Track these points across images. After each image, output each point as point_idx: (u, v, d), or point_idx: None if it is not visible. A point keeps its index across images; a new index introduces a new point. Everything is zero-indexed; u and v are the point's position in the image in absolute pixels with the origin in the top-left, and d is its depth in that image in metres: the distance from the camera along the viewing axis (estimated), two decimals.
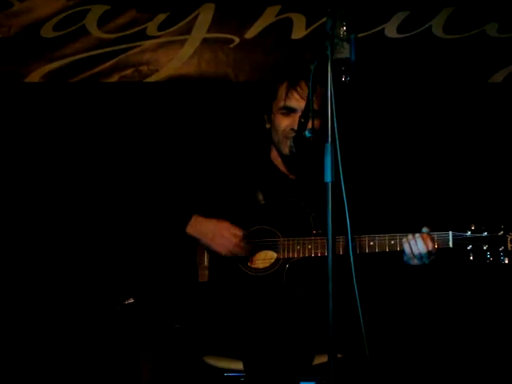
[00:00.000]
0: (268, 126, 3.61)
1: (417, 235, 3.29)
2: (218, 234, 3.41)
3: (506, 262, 3.25)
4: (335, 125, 2.80)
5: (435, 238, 3.29)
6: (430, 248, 3.26)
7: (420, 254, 3.27)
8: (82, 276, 4.42)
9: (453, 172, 4.45)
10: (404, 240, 3.30)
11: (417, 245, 3.27)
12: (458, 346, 4.38)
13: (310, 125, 3.13)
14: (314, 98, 3.15)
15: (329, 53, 2.84)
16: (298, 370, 3.24)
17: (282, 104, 3.50)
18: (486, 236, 3.27)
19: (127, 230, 3.66)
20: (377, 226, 3.37)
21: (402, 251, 3.31)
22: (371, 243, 3.32)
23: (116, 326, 4.08)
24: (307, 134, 3.13)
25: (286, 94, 3.49)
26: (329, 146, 2.81)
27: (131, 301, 3.47)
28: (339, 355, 2.92)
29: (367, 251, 3.32)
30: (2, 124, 4.51)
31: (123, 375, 4.17)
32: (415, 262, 3.30)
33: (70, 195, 4.46)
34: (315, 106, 3.27)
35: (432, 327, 4.38)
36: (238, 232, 3.41)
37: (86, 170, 4.46)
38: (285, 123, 3.48)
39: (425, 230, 3.32)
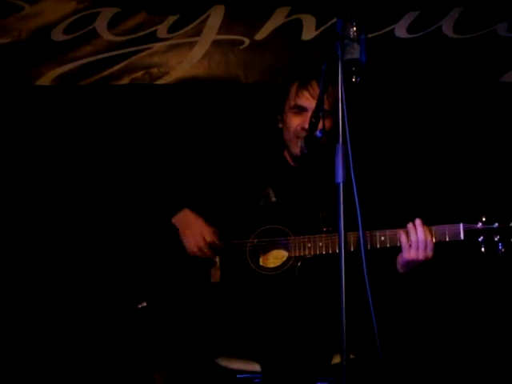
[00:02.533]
0: (280, 125, 3.63)
1: (417, 222, 3.26)
2: (188, 230, 3.45)
3: None
4: (346, 125, 2.81)
5: (446, 231, 3.27)
6: (429, 238, 3.24)
7: (417, 241, 3.24)
8: (96, 280, 4.42)
9: (463, 165, 4.45)
10: (401, 232, 3.28)
11: (416, 231, 3.25)
12: (473, 343, 4.36)
13: (320, 125, 3.13)
14: (325, 99, 3.17)
15: (339, 53, 2.84)
16: (316, 369, 3.23)
17: (292, 103, 3.52)
18: (497, 227, 3.24)
19: (138, 230, 3.67)
20: (388, 221, 3.35)
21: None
22: (382, 238, 3.30)
23: (129, 329, 4.08)
24: (318, 134, 3.14)
25: (297, 93, 3.51)
26: (340, 146, 2.81)
27: (144, 304, 3.48)
28: (352, 356, 2.90)
29: (378, 246, 3.30)
30: (13, 127, 4.51)
31: (136, 379, 4.17)
32: (411, 254, 3.25)
33: (81, 195, 4.47)
34: (326, 107, 3.29)
35: (446, 324, 4.37)
36: (208, 236, 3.43)
37: (96, 172, 4.46)
38: (296, 122, 3.50)
39: (418, 221, 3.29)
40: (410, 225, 3.27)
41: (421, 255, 3.24)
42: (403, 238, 3.25)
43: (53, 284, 4.47)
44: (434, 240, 3.24)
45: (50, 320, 4.45)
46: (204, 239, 3.43)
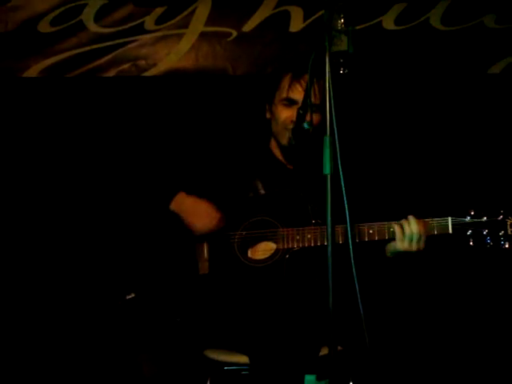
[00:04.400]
0: (268, 116, 3.63)
1: (410, 216, 3.29)
2: (195, 213, 3.43)
3: (507, 246, 3.25)
4: (333, 117, 2.81)
5: (435, 225, 3.29)
6: (422, 231, 3.26)
7: (411, 234, 3.26)
8: (83, 272, 4.40)
9: (451, 159, 4.46)
10: (394, 223, 3.30)
11: (410, 225, 3.26)
12: (460, 335, 4.38)
13: (308, 117, 3.14)
14: (315, 92, 3.17)
15: (327, 45, 2.84)
16: (304, 361, 3.23)
17: (284, 95, 3.51)
18: (485, 221, 3.27)
19: (124, 219, 3.66)
20: (376, 215, 3.37)
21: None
22: (370, 231, 3.32)
23: (117, 320, 4.08)
24: (305, 125, 3.14)
25: (289, 86, 3.51)
26: (327, 138, 2.81)
27: (132, 295, 3.47)
28: (339, 347, 2.91)
29: (366, 239, 3.32)
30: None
31: (124, 370, 4.17)
32: (404, 245, 3.28)
33: (69, 188, 4.45)
34: (315, 100, 3.30)
35: (433, 316, 4.39)
36: (215, 214, 3.42)
37: (84, 165, 4.44)
38: (285, 114, 3.50)
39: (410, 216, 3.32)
40: (403, 219, 3.29)
41: (414, 247, 3.28)
42: (397, 229, 3.28)
43: (39, 275, 4.45)
44: (436, 232, 3.27)
45: (36, 312, 4.43)
46: (212, 218, 3.42)
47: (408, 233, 3.26)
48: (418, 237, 3.26)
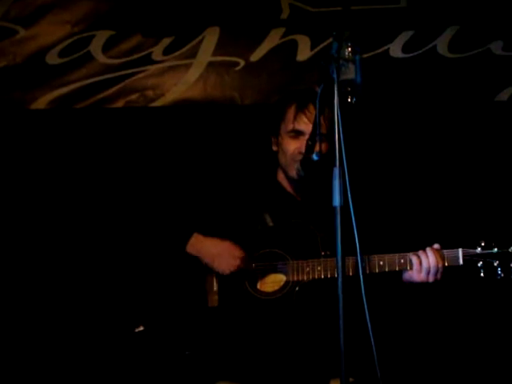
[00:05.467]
0: (275, 148, 3.61)
1: (428, 249, 3.28)
2: (218, 255, 3.41)
3: None
4: (343, 148, 2.80)
5: (445, 256, 3.28)
6: (440, 264, 3.25)
7: (429, 267, 3.25)
8: (93, 305, 4.39)
9: (461, 189, 4.44)
10: (413, 255, 3.28)
11: (428, 257, 3.26)
12: (472, 366, 4.34)
13: (317, 148, 3.14)
14: (322, 121, 3.16)
15: (335, 76, 2.84)
16: None
17: (290, 127, 3.49)
18: (496, 252, 3.25)
19: (133, 252, 3.65)
20: (386, 246, 3.36)
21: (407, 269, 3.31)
22: (381, 263, 3.30)
23: (127, 353, 4.07)
24: (315, 157, 3.14)
25: (295, 117, 3.49)
26: (337, 169, 2.80)
27: (141, 328, 3.46)
28: (351, 379, 2.89)
29: (377, 271, 3.31)
30: (8, 151, 4.49)
31: None
32: (421, 276, 3.27)
33: (77, 219, 4.45)
34: (323, 130, 3.28)
35: (445, 347, 4.35)
36: (238, 252, 3.41)
37: (92, 196, 4.44)
38: (293, 146, 3.48)
39: (436, 246, 3.31)
40: (421, 251, 3.28)
41: (431, 279, 3.28)
42: (415, 260, 3.28)
43: (48, 306, 4.44)
44: (446, 263, 3.26)
45: (45, 344, 4.42)
46: (235, 257, 3.41)
47: (426, 265, 3.25)
48: (436, 269, 3.25)
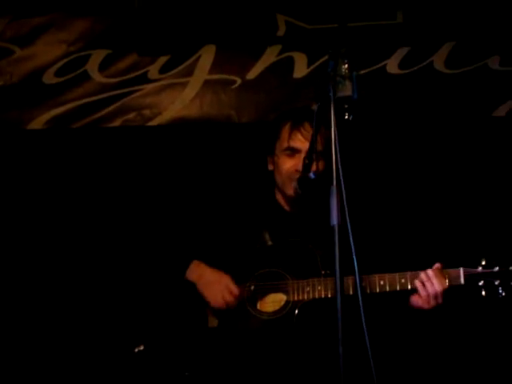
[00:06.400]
0: (271, 167, 3.60)
1: (430, 274, 3.25)
2: (213, 288, 3.40)
3: None
4: (340, 167, 2.79)
5: (446, 276, 3.25)
6: (445, 285, 3.23)
7: (436, 293, 3.23)
8: (92, 324, 4.37)
9: (461, 207, 4.41)
10: (417, 282, 3.26)
11: (433, 285, 3.23)
12: None
13: (314, 166, 3.13)
14: (318, 138, 3.14)
15: (331, 95, 2.83)
16: None
17: (285, 145, 3.48)
18: (497, 271, 3.23)
19: (132, 276, 3.63)
20: (386, 265, 3.34)
21: (412, 290, 3.28)
22: (381, 282, 3.28)
23: (127, 373, 4.04)
24: (312, 175, 3.13)
25: (290, 135, 3.48)
26: (334, 188, 2.79)
27: (141, 348, 3.44)
28: None
29: (378, 291, 3.28)
30: (4, 172, 4.48)
31: None
32: (431, 303, 3.25)
33: (75, 242, 4.43)
34: (319, 147, 3.26)
35: (446, 366, 4.32)
36: (234, 290, 3.39)
37: (89, 217, 4.43)
38: (289, 164, 3.47)
39: (437, 265, 3.29)
40: (424, 277, 3.26)
41: (440, 301, 3.27)
42: (421, 289, 3.26)
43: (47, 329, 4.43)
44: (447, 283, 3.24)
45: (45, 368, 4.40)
46: (231, 294, 3.39)
47: (432, 292, 3.23)
48: (441, 293, 3.24)
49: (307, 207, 3.53)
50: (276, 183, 3.57)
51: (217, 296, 3.38)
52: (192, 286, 3.43)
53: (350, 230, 2.76)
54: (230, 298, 3.38)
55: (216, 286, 3.39)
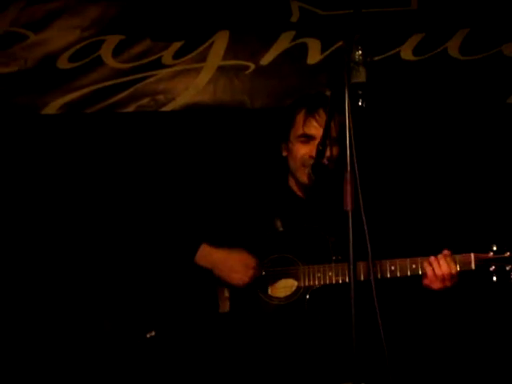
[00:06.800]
0: (285, 153, 3.59)
1: (440, 256, 3.25)
2: (229, 267, 3.39)
3: None
4: (354, 153, 2.79)
5: (457, 261, 3.25)
6: (453, 270, 3.23)
7: (443, 275, 3.22)
8: (104, 310, 4.39)
9: (473, 193, 4.40)
10: (426, 263, 3.26)
11: (440, 266, 3.23)
12: (483, 371, 4.31)
13: (328, 152, 3.14)
14: (332, 125, 3.15)
15: (346, 80, 2.83)
16: None
17: (300, 131, 3.47)
18: (508, 256, 3.23)
19: (143, 261, 3.65)
20: (397, 250, 3.33)
21: (423, 275, 3.28)
22: (392, 268, 3.28)
23: (138, 358, 4.06)
24: (326, 161, 3.14)
25: (304, 122, 3.46)
26: (348, 174, 2.80)
27: (153, 334, 3.45)
28: None
29: (388, 276, 3.28)
30: (19, 157, 4.51)
31: None
32: (438, 284, 3.25)
33: (88, 226, 4.45)
34: (333, 134, 3.26)
35: (457, 352, 4.32)
36: (251, 262, 3.38)
37: (101, 200, 4.45)
38: (303, 151, 3.46)
39: (445, 252, 3.28)
40: (432, 258, 3.26)
41: (448, 284, 3.25)
42: (429, 270, 3.25)
43: (59, 311, 4.45)
44: (458, 268, 3.23)
45: (55, 350, 4.42)
46: (247, 266, 3.38)
47: (439, 273, 3.23)
48: (451, 275, 3.23)
49: (320, 193, 3.52)
50: (290, 169, 3.56)
51: (238, 278, 3.37)
52: (202, 271, 3.43)
53: (363, 216, 2.77)
54: (250, 272, 3.36)
55: (234, 268, 3.38)
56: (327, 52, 4.50)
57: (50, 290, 4.45)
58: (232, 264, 3.39)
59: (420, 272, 3.28)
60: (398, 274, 3.27)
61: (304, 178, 3.45)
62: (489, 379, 4.29)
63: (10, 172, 4.50)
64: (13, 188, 4.48)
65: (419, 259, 3.28)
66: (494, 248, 3.25)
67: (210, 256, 3.42)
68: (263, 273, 3.41)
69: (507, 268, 3.22)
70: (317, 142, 3.27)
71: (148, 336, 3.46)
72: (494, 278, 3.24)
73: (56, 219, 4.48)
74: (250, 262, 3.38)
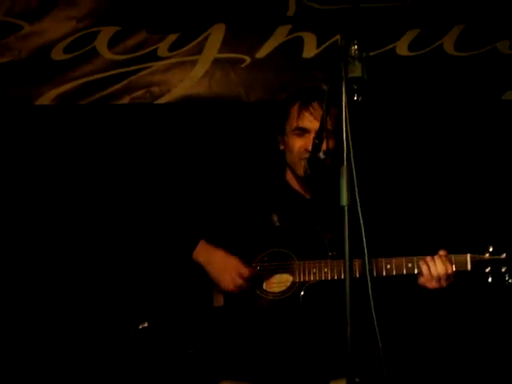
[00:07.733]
0: (282, 147, 3.59)
1: (436, 256, 3.25)
2: (224, 271, 3.38)
3: None
4: (350, 147, 2.79)
5: (453, 261, 3.25)
6: (449, 270, 3.23)
7: (439, 275, 3.23)
8: (97, 300, 4.38)
9: (469, 192, 4.41)
10: (422, 262, 3.26)
11: (436, 266, 3.23)
12: (479, 371, 4.32)
13: (324, 146, 3.14)
14: (328, 119, 3.14)
15: (342, 74, 2.83)
16: None
17: (294, 125, 3.47)
18: (504, 258, 3.23)
19: (139, 254, 3.64)
20: (393, 249, 3.33)
21: (419, 274, 3.28)
22: (388, 266, 3.28)
23: (130, 350, 4.05)
24: (322, 155, 3.14)
25: (299, 115, 3.46)
26: (344, 168, 2.79)
27: (145, 325, 3.45)
28: (357, 379, 2.88)
29: (384, 274, 3.28)
30: (13, 147, 4.48)
31: None
32: (433, 284, 3.25)
33: (81, 218, 4.44)
34: (329, 127, 3.26)
35: (451, 352, 4.33)
36: (244, 272, 3.37)
37: (97, 193, 4.44)
38: (298, 144, 3.45)
39: (441, 252, 3.28)
40: (428, 258, 3.26)
41: (444, 284, 3.25)
42: (425, 269, 3.25)
43: (52, 302, 4.44)
44: (454, 268, 3.23)
45: (49, 340, 4.41)
46: (241, 276, 3.36)
47: (435, 273, 3.23)
48: (447, 275, 3.23)
49: (318, 188, 3.52)
50: (287, 163, 3.56)
51: (228, 281, 3.36)
52: (198, 266, 3.42)
53: (359, 211, 2.77)
54: (240, 282, 3.36)
55: (227, 271, 3.37)
56: (323, 46, 4.50)
57: (45, 282, 4.44)
58: (225, 267, 3.38)
59: (416, 271, 3.28)
60: (394, 273, 3.27)
61: (300, 172, 3.44)
62: (483, 379, 4.30)
63: (3, 162, 4.47)
64: (6, 178, 4.46)
65: (415, 258, 3.28)
66: (491, 249, 3.24)
67: (206, 253, 3.42)
68: (258, 268, 3.41)
69: (503, 270, 3.22)
70: (312, 135, 3.28)
71: (140, 327, 3.46)
72: (490, 279, 3.24)
73: (50, 212, 4.46)
74: (243, 272, 3.36)
